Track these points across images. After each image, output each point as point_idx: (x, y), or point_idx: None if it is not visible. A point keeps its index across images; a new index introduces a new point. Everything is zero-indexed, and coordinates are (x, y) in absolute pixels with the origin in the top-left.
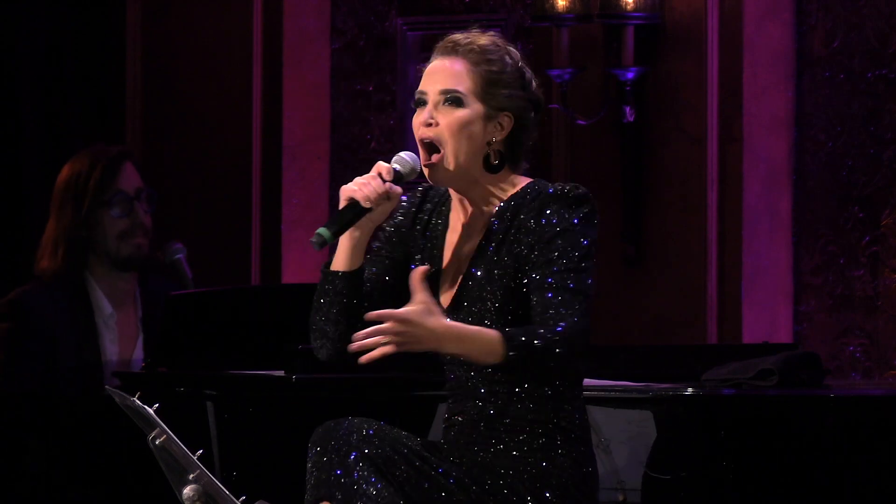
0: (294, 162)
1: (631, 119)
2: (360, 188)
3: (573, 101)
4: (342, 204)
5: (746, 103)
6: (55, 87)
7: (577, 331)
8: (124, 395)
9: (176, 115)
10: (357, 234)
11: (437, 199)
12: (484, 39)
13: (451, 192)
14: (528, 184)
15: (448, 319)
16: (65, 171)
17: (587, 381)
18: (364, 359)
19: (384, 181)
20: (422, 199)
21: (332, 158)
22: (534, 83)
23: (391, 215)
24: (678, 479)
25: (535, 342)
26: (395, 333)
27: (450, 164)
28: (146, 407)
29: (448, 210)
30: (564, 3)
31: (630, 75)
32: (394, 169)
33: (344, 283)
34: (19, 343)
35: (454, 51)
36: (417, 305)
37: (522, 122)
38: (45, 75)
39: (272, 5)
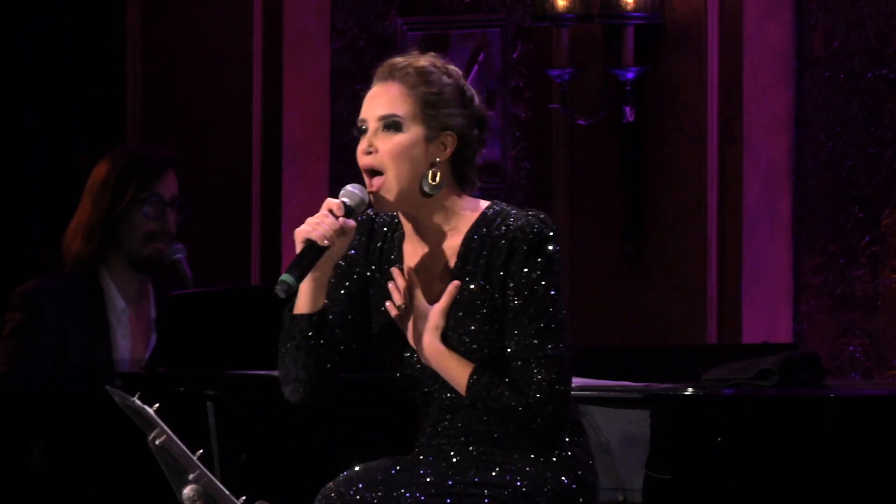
0: (294, 162)
1: (631, 119)
2: (313, 228)
3: (573, 101)
4: (298, 247)
5: (746, 103)
6: (55, 87)
7: (539, 408)
8: (124, 395)
9: (176, 115)
10: (317, 274)
11: (386, 228)
12: (421, 61)
13: (404, 220)
14: (486, 208)
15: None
16: (108, 162)
17: (587, 382)
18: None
19: (336, 217)
20: (370, 228)
21: (332, 158)
22: (476, 100)
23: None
24: (678, 479)
25: (492, 403)
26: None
27: (392, 188)
28: (146, 407)
29: (401, 238)
30: (564, 3)
31: (630, 75)
32: (343, 203)
33: (310, 325)
34: (31, 333)
35: (391, 75)
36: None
37: (466, 140)
38: (45, 75)
39: (272, 5)
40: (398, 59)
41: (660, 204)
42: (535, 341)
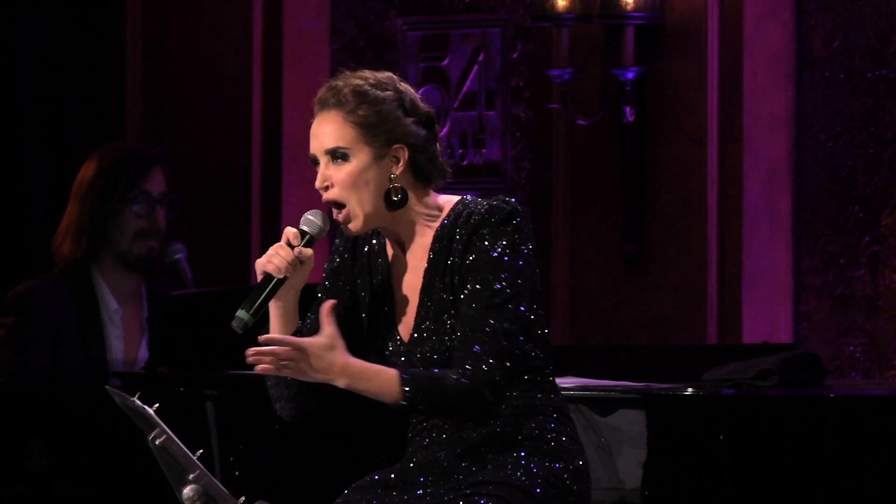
0: (294, 162)
1: (631, 119)
2: (268, 260)
3: (573, 101)
4: (259, 278)
5: (746, 103)
6: (55, 87)
7: (485, 381)
8: (124, 395)
9: (176, 115)
10: (282, 302)
11: (370, 234)
12: (354, 81)
13: (383, 233)
14: (455, 204)
15: (350, 357)
16: (95, 162)
17: (587, 381)
18: (257, 369)
19: (292, 247)
20: (354, 237)
21: None
22: (417, 102)
23: (329, 261)
24: (678, 480)
25: (436, 390)
26: (287, 359)
27: (357, 216)
28: (146, 407)
29: (384, 243)
30: (564, 3)
31: (630, 75)
32: (302, 232)
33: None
34: (25, 337)
35: (327, 104)
36: (322, 339)
37: (417, 146)
38: (45, 75)
39: (272, 5)
40: (335, 83)
41: (660, 204)
42: (481, 315)
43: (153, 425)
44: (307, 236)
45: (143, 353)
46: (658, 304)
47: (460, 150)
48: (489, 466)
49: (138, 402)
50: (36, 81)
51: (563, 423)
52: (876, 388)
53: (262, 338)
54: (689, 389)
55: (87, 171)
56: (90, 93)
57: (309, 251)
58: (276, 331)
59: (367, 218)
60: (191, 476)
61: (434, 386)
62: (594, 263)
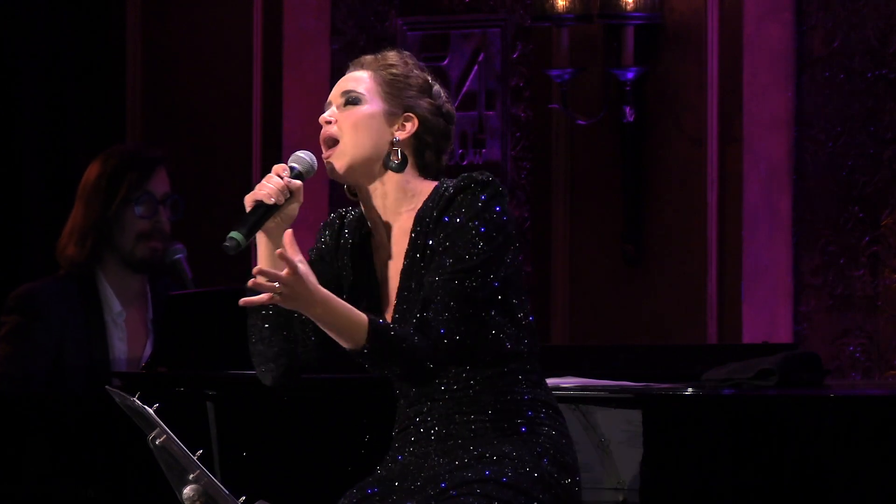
0: None
1: (631, 119)
2: (259, 189)
3: (573, 101)
4: (249, 209)
5: (746, 103)
6: (55, 87)
7: (449, 344)
8: (124, 395)
9: (176, 115)
10: (271, 239)
11: (355, 222)
12: (391, 53)
13: (365, 209)
14: (436, 187)
15: (321, 288)
16: (99, 163)
17: (587, 381)
18: (244, 301)
19: (281, 178)
20: (340, 223)
21: None
22: (443, 95)
23: (314, 247)
24: (678, 480)
25: (401, 345)
26: (285, 284)
27: (345, 154)
28: (146, 407)
29: (368, 234)
30: (564, 3)
31: (630, 75)
32: (291, 167)
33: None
34: (28, 337)
35: (360, 64)
36: (301, 265)
37: (427, 125)
38: (45, 76)
39: (272, 5)
40: (369, 56)
41: (660, 204)
42: (449, 278)
43: (153, 425)
44: (296, 171)
45: (147, 355)
46: (658, 303)
47: (460, 150)
48: (477, 464)
49: (138, 402)
50: (36, 81)
51: (552, 418)
52: (876, 388)
53: (255, 270)
54: (689, 389)
55: (91, 172)
56: (90, 93)
57: (298, 182)
58: (266, 265)
59: (353, 162)
60: (191, 476)
61: (394, 342)
62: (594, 263)
